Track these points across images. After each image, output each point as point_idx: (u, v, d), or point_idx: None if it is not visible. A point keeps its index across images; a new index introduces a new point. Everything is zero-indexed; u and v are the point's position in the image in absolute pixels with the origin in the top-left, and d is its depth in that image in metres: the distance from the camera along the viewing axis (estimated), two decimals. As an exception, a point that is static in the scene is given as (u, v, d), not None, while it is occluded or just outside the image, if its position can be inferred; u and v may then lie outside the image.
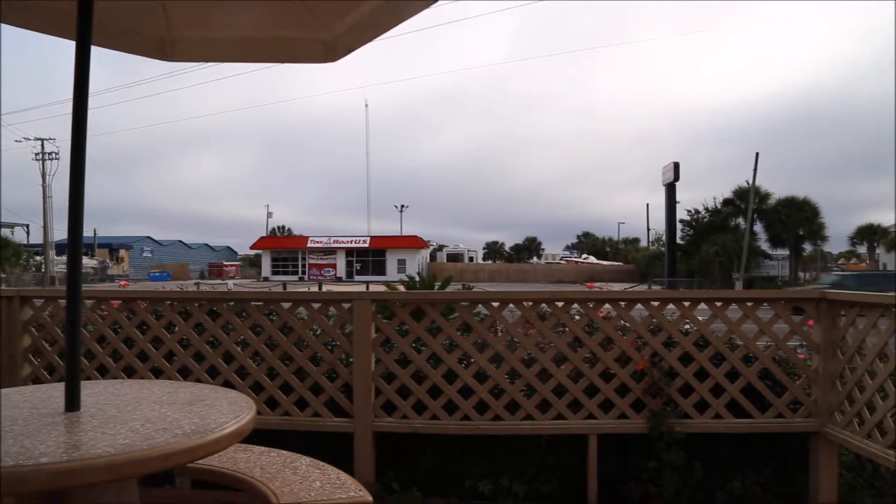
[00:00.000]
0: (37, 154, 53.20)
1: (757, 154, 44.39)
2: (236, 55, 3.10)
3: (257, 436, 2.67)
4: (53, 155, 53.11)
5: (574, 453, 3.82)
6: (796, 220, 49.68)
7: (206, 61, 3.02)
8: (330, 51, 2.88)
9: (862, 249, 71.92)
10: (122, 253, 75.06)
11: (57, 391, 2.07)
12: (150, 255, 77.46)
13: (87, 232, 65.09)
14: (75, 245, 2.01)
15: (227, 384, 3.83)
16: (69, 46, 2.10)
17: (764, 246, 52.50)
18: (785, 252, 53.25)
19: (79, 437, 1.69)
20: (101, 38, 2.50)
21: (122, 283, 49.06)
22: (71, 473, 1.46)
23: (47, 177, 52.65)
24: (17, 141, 62.15)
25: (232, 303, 3.96)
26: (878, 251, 65.89)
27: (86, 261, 58.95)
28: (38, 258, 55.03)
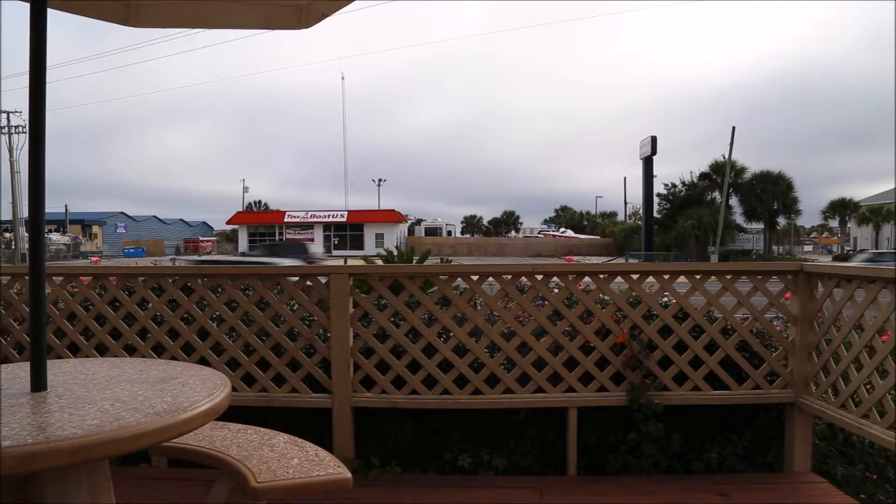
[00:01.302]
0: (2, 128, 51.74)
1: (733, 128, 44.73)
2: (206, 21, 2.98)
3: (234, 413, 2.63)
4: (20, 129, 51.62)
5: (554, 426, 3.82)
6: (771, 194, 50.33)
7: (174, 27, 2.89)
8: (304, 16, 2.78)
9: (834, 223, 73.20)
10: (96, 229, 73.82)
11: (23, 371, 1.99)
12: (123, 231, 76.28)
13: (59, 207, 64.05)
14: (38, 219, 1.93)
15: (203, 361, 3.76)
16: (25, 9, 1.99)
17: (739, 220, 53.24)
18: (759, 226, 53.99)
19: (45, 419, 1.62)
20: (59, 1, 2.38)
21: (95, 259, 48.30)
22: (36, 456, 1.40)
23: (14, 151, 51.32)
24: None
25: (206, 278, 3.88)
26: (849, 225, 67.11)
27: (58, 237, 57.94)
28: (7, 235, 53.89)
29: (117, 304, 3.92)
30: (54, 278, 3.94)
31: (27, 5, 1.93)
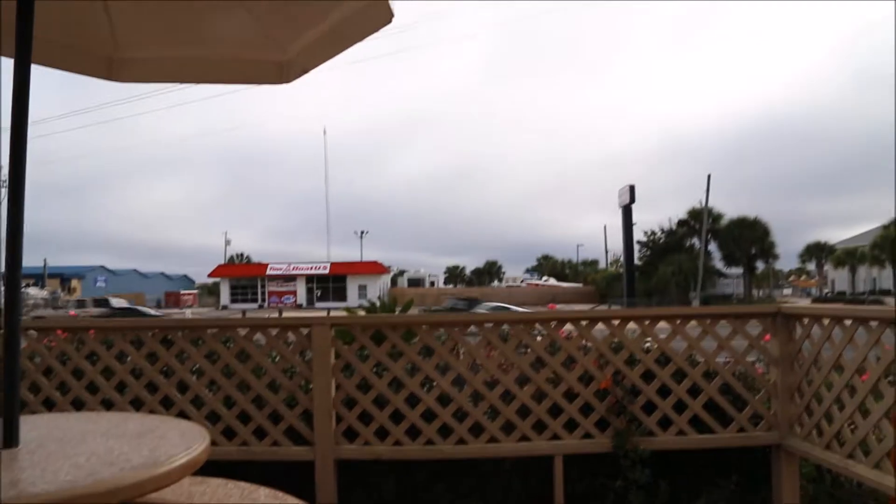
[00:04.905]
0: (-17, 183, 51.50)
1: (709, 176, 45.82)
2: (187, 76, 3.03)
3: (215, 468, 2.57)
4: (0, 183, 51.46)
5: (540, 475, 3.77)
6: (748, 239, 51.17)
7: (156, 82, 2.95)
8: (284, 72, 2.85)
9: (811, 266, 74.27)
10: (75, 283, 72.94)
11: (-6, 427, 1.95)
12: (103, 285, 75.43)
13: (38, 262, 63.29)
14: (14, 272, 1.92)
15: (182, 415, 3.69)
16: (8, 65, 2.02)
17: (718, 265, 53.95)
18: (739, 270, 54.67)
19: (16, 475, 1.58)
20: (43, 56, 2.42)
21: (72, 312, 47.47)
22: (6, 514, 1.36)
23: (-6, 206, 51.03)
24: (-40, 169, 59.80)
25: (186, 330, 3.84)
26: (826, 267, 68.13)
27: (36, 291, 56.99)
28: (-17, 290, 52.99)
29: (95, 357, 3.86)
30: (30, 332, 3.88)
31: (10, 60, 1.96)
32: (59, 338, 3.91)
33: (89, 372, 3.80)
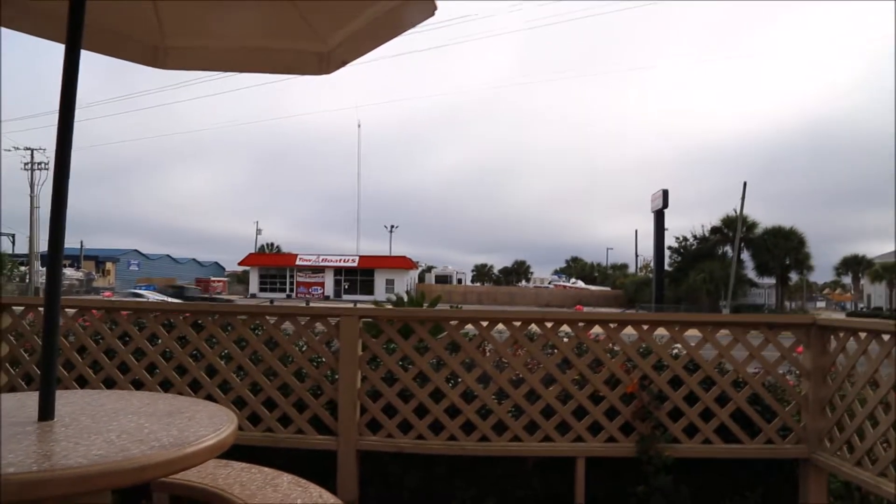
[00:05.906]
0: (26, 164, 52.91)
1: (745, 183, 44.86)
2: (230, 65, 3.08)
3: (239, 452, 2.61)
4: (42, 165, 52.80)
5: (561, 476, 3.75)
6: (783, 249, 50.17)
7: (199, 70, 2.99)
8: (324, 63, 2.87)
9: (847, 280, 72.58)
10: (109, 266, 74.54)
11: (31, 400, 2.00)
12: (136, 269, 76.98)
13: (74, 243, 64.80)
14: (55, 253, 1.96)
15: (210, 398, 3.75)
16: (61, 50, 2.06)
17: (751, 274, 52.97)
18: (771, 281, 53.66)
19: (51, 447, 1.62)
20: (92, 43, 2.47)
21: (107, 293, 48.50)
22: (40, 484, 1.40)
23: (35, 187, 52.37)
24: (6, 150, 61.43)
25: (216, 315, 3.90)
26: (862, 282, 66.53)
27: (71, 272, 58.45)
28: (22, 268, 54.50)
29: (127, 338, 3.94)
30: (67, 311, 3.97)
31: (60, 45, 2.01)
32: (94, 317, 3.99)
33: (121, 352, 3.88)
